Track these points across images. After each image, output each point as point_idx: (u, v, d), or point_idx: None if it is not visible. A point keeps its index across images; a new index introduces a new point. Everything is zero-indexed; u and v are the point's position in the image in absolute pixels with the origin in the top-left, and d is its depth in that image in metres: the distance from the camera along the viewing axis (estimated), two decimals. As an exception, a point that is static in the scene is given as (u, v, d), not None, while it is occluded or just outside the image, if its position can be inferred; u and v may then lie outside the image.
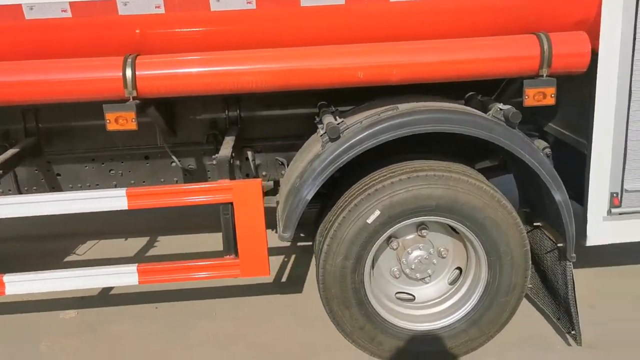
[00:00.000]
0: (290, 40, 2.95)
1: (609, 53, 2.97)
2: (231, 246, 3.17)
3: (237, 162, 3.83)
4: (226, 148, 3.28)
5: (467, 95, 3.60)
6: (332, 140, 3.05)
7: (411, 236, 3.37)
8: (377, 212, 3.07)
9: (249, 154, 3.82)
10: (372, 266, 3.41)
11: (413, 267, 3.35)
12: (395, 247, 3.36)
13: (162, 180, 3.87)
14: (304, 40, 2.96)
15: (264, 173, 3.92)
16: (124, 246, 5.01)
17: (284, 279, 4.39)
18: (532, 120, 3.83)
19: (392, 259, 3.42)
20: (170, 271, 3.23)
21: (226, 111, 3.77)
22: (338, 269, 3.14)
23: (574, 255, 3.19)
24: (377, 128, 2.99)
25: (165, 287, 4.13)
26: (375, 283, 3.40)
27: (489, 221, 3.10)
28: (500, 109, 3.09)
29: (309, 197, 3.04)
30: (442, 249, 3.38)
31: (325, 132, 3.04)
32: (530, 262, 3.23)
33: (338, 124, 3.08)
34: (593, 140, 3.11)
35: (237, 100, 3.76)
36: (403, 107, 3.13)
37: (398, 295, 3.49)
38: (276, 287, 4.28)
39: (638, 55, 2.99)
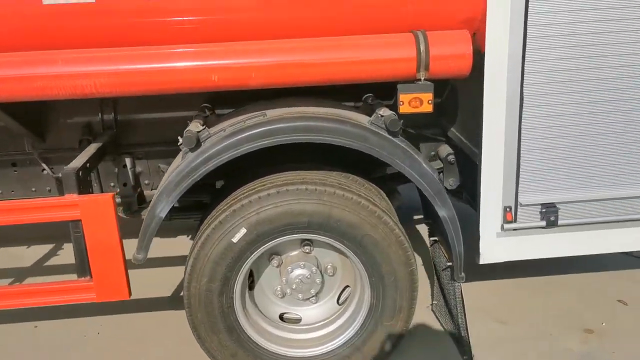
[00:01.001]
0: (139, 40, 2.62)
1: (496, 54, 2.68)
2: (85, 267, 2.85)
3: (116, 170, 3.51)
4: (80, 158, 2.95)
5: (364, 97, 3.30)
6: (191, 150, 2.74)
7: (295, 253, 3.07)
8: (244, 230, 2.77)
9: (128, 161, 3.48)
10: (253, 285, 3.13)
11: (294, 286, 3.06)
12: (276, 264, 3.07)
13: (34, 190, 3.53)
14: (156, 39, 2.63)
15: (146, 182, 3.60)
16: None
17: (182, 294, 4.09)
18: (439, 124, 3.55)
19: (275, 277, 3.13)
20: (18, 296, 2.91)
21: (100, 114, 3.43)
22: (203, 291, 2.84)
23: (462, 275, 2.92)
24: (236, 138, 2.68)
25: (46, 303, 3.80)
26: (256, 304, 3.12)
27: (368, 239, 2.81)
28: (381, 116, 2.79)
29: (163, 214, 2.73)
30: (329, 267, 3.10)
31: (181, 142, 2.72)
32: (418, 284, 2.94)
33: (199, 131, 2.77)
34: (483, 150, 2.83)
35: (113, 102, 3.42)
36: (273, 113, 2.82)
37: (286, 316, 3.20)
38: (172, 302, 3.97)
39: (530, 56, 2.71)
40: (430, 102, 2.61)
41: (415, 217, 4.84)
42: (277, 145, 2.71)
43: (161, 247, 4.37)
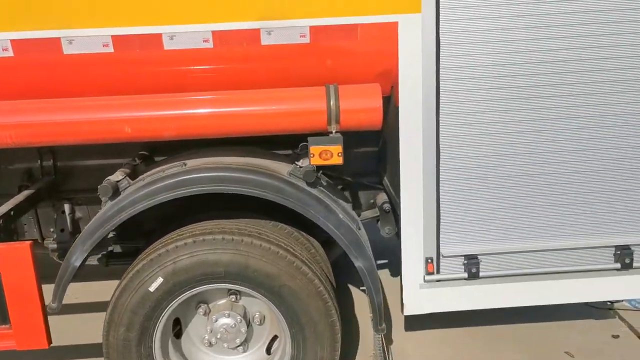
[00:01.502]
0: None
1: (410, 104, 2.71)
2: (5, 315, 2.85)
3: (55, 216, 3.54)
4: (4, 206, 2.98)
5: (299, 146, 3.33)
6: (110, 199, 2.77)
7: (222, 301, 3.06)
8: (160, 280, 2.77)
9: (67, 207, 3.51)
10: (180, 334, 3.11)
11: (219, 335, 3.04)
12: (202, 312, 3.05)
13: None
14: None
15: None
16: None
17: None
18: (377, 172, 3.56)
19: (202, 325, 3.11)
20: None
21: (39, 160, 3.48)
22: (121, 341, 2.83)
23: (382, 327, 2.89)
24: (151, 188, 2.71)
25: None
26: (182, 353, 3.10)
27: (286, 290, 2.80)
28: (299, 167, 2.81)
29: (77, 263, 2.75)
30: (256, 316, 3.08)
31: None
32: (340, 335, 2.91)
33: (118, 181, 2.80)
34: (402, 200, 2.84)
35: (51, 149, 3.47)
36: (194, 162, 2.85)
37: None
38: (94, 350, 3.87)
39: (445, 108, 2.73)
40: (339, 154, 2.63)
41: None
42: (217, 193, 2.74)
43: (95, 291, 4.32)
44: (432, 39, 2.63)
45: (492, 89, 2.70)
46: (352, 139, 2.87)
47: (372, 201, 3.51)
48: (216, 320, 3.03)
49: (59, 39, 2.63)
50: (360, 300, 4.10)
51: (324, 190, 2.87)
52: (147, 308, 2.79)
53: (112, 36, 2.62)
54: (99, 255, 3.37)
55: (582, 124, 2.75)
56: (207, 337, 3.08)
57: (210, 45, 2.64)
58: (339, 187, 3.30)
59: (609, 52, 2.67)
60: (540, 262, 2.93)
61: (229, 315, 3.02)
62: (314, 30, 2.64)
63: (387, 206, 3.27)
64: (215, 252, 2.75)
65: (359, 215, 3.21)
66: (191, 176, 2.69)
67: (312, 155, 2.65)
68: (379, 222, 3.30)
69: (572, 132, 2.78)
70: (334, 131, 2.66)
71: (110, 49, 2.64)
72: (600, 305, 4.06)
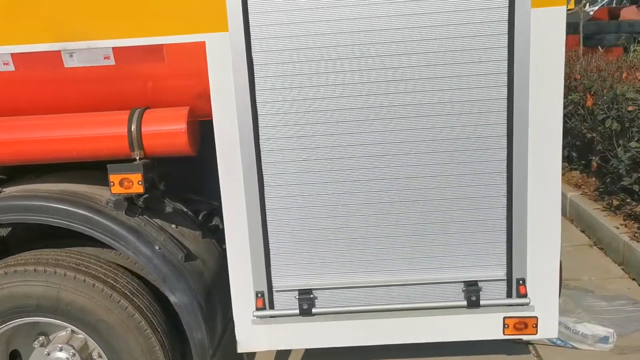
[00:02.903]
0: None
1: (227, 132, 2.53)
2: None
3: None
4: None
5: None
6: None
7: (62, 333, 2.92)
8: (-27, 312, 2.66)
9: None
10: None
11: (48, 371, 2.90)
12: (38, 345, 2.92)
13: None
14: None
15: None
16: None
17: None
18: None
19: (41, 358, 2.98)
20: None
21: None
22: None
23: (210, 365, 2.70)
24: None
25: None
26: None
27: (103, 325, 2.65)
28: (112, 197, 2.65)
29: None
30: (95, 352, 2.93)
31: None
32: (167, 371, 2.74)
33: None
34: (226, 228, 2.65)
35: None
36: (13, 189, 2.73)
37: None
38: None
39: (264, 133, 2.54)
40: (140, 182, 2.47)
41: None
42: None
43: None
44: (243, 57, 2.45)
45: (308, 112, 2.50)
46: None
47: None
48: (48, 354, 2.89)
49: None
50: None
51: (149, 219, 2.71)
52: (-40, 344, 2.69)
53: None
54: None
55: (412, 149, 2.52)
56: (43, 371, 2.94)
57: (11, 68, 2.52)
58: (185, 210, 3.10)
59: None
60: (382, 298, 2.69)
61: (61, 349, 2.88)
62: (118, 51, 2.49)
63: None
64: (26, 285, 2.62)
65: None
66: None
67: (112, 183, 2.49)
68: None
69: (402, 161, 2.54)
70: (137, 158, 2.50)
71: None
72: (517, 340, 3.80)
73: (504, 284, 2.66)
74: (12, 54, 2.51)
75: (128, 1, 2.46)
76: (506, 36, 2.42)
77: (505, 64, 2.44)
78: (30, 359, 2.98)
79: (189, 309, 2.64)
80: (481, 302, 2.64)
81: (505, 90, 2.47)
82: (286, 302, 2.71)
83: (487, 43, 2.43)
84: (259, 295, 2.69)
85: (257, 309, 2.69)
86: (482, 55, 2.44)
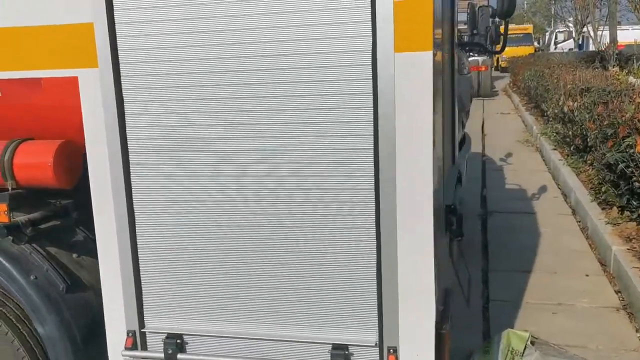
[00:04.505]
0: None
1: (98, 163, 2.53)
2: None
3: None
4: None
5: None
6: None
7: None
8: None
9: None
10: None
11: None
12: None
13: None
14: None
15: None
16: None
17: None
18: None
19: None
20: None
21: None
22: None
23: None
24: None
25: None
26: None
27: (-17, 349, 2.73)
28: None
29: None
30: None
31: None
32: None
33: None
34: (100, 269, 2.63)
35: None
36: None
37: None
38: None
39: (135, 167, 2.51)
40: (5, 212, 2.52)
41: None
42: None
43: None
44: (111, 91, 2.44)
45: (187, 144, 2.44)
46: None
47: None
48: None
49: None
50: None
51: (37, 248, 2.75)
52: None
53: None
54: None
55: (280, 195, 2.38)
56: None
57: None
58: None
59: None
60: (250, 350, 2.54)
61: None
62: (2, 83, 2.58)
63: None
64: None
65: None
66: None
67: (-8, 212, 2.58)
68: None
69: (273, 205, 2.40)
70: (10, 188, 2.56)
71: None
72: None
73: (375, 351, 2.41)
74: None
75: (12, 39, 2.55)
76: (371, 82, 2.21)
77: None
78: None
79: (58, 342, 2.64)
80: (349, 368, 2.41)
81: (371, 140, 2.26)
82: (156, 345, 2.64)
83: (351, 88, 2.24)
84: (130, 334, 2.64)
85: (126, 349, 2.64)
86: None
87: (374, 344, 2.39)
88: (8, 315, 2.74)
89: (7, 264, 2.66)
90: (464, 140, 6.82)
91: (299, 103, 2.29)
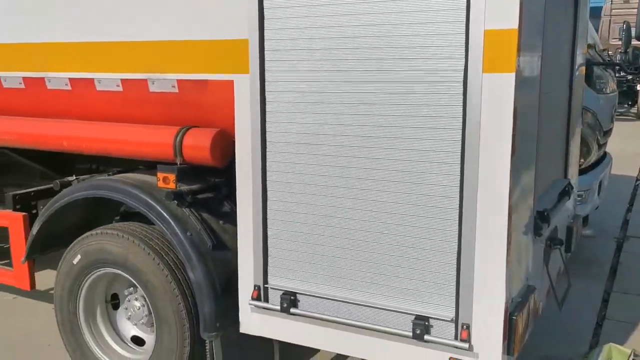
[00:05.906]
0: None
1: (244, 149, 3.19)
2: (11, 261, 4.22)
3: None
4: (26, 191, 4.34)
5: None
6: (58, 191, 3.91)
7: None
8: (79, 256, 3.77)
9: None
10: (117, 305, 4.03)
11: (130, 314, 3.88)
12: (127, 293, 3.94)
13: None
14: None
15: None
16: None
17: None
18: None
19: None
20: None
21: None
22: (59, 296, 3.91)
23: (212, 333, 3.35)
24: (54, 198, 3.84)
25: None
26: (111, 321, 4.02)
27: (150, 285, 3.52)
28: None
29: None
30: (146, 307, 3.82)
31: None
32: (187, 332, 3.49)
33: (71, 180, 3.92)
34: (239, 229, 3.30)
35: None
36: (121, 176, 3.80)
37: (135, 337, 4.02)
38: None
39: (271, 157, 3.14)
40: (174, 181, 3.28)
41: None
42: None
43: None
44: (257, 95, 3.10)
45: (313, 139, 3.03)
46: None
47: None
48: (129, 301, 3.88)
49: None
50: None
51: (194, 212, 3.50)
52: (73, 275, 3.82)
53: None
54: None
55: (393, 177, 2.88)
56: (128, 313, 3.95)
57: (120, 89, 3.58)
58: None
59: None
60: (346, 313, 3.05)
61: (137, 299, 3.85)
62: (180, 82, 3.36)
63: None
64: (109, 243, 3.63)
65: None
66: (76, 187, 3.74)
67: (158, 179, 3.36)
68: None
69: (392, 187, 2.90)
70: (178, 162, 3.33)
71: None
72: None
73: (451, 325, 2.81)
74: (121, 80, 3.56)
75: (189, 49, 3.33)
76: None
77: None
78: (127, 301, 4.02)
79: (202, 287, 3.35)
80: (425, 337, 2.84)
81: (459, 145, 2.68)
82: (275, 298, 3.25)
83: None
84: (256, 287, 3.28)
85: (252, 299, 3.28)
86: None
87: (450, 319, 2.80)
88: (169, 262, 3.52)
89: (172, 222, 3.43)
90: (603, 158, 6.74)
91: (403, 111, 2.78)
